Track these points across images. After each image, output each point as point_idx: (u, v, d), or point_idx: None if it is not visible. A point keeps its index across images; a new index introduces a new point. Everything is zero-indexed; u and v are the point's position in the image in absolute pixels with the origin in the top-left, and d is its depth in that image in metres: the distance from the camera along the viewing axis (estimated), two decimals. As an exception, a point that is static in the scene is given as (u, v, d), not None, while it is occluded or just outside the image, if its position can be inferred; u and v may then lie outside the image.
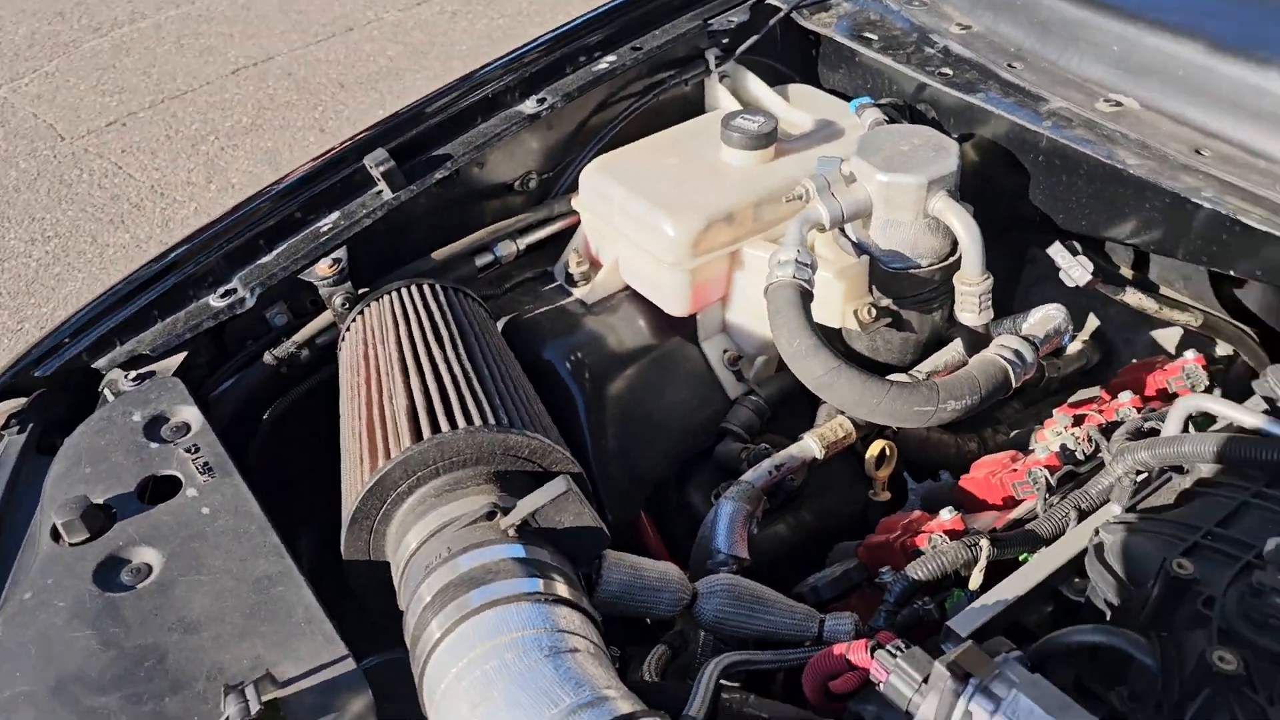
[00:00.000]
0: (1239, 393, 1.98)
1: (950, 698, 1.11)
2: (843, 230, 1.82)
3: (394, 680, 1.45)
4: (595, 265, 2.00)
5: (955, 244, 1.78)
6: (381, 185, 1.82)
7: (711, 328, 1.98)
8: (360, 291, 1.78)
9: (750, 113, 1.93)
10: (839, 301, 1.83)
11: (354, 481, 1.44)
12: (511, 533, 1.29)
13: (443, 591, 1.22)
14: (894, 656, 1.19)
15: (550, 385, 1.84)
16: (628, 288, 1.99)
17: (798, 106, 2.11)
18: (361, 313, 1.74)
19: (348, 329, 1.75)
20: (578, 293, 1.98)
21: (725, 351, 1.98)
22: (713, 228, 1.81)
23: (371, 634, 1.46)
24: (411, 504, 1.38)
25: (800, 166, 1.90)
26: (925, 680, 1.15)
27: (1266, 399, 1.61)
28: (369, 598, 1.44)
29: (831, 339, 1.67)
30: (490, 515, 1.31)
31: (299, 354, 1.78)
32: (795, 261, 1.65)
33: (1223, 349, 2.06)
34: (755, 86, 2.14)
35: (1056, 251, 1.79)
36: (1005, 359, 1.65)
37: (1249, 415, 1.46)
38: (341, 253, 1.74)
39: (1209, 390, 1.84)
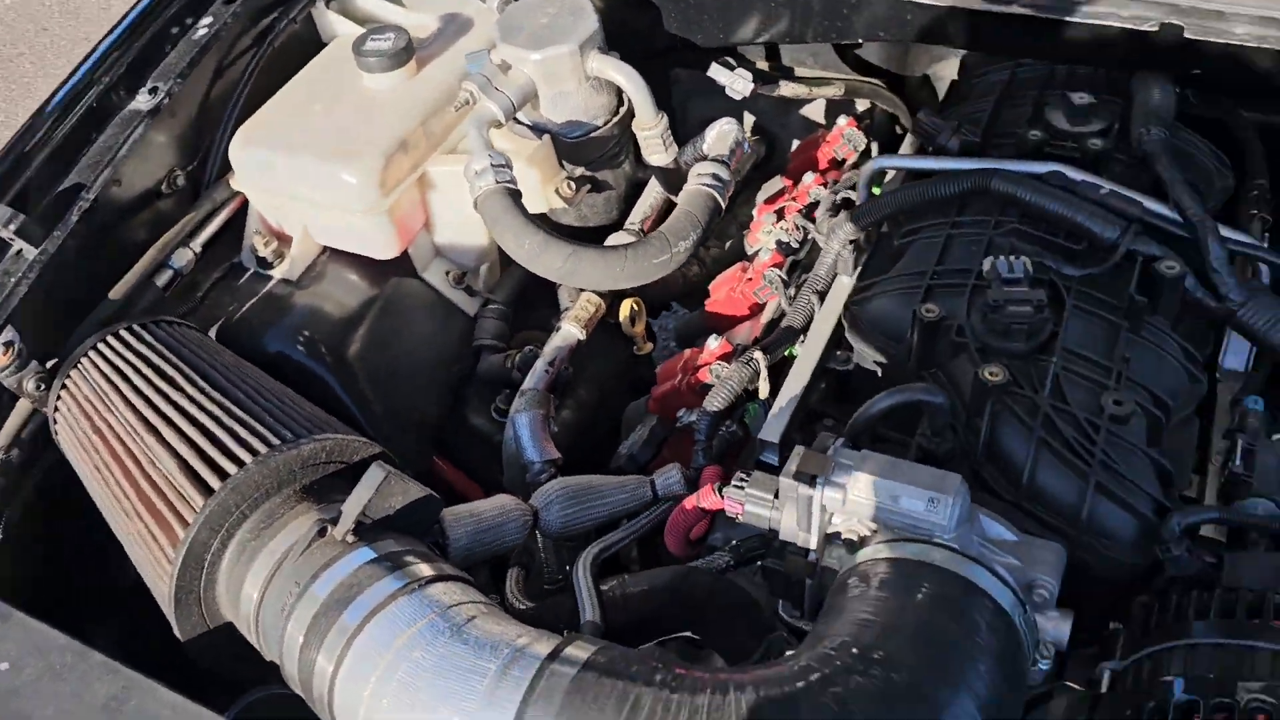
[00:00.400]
0: (888, 139, 2.22)
1: (805, 503, 1.23)
2: (516, 119, 1.82)
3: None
4: (283, 240, 1.88)
5: (622, 96, 1.83)
6: (19, 244, 1.60)
7: (426, 256, 1.94)
8: (50, 365, 1.59)
9: (376, 32, 1.85)
10: (537, 186, 1.85)
11: (153, 560, 1.33)
12: (350, 539, 1.25)
13: (313, 626, 1.18)
14: (742, 489, 1.29)
15: (291, 374, 1.75)
16: (326, 250, 1.90)
17: (416, 8, 2.03)
18: (64, 387, 1.56)
19: (56, 410, 1.57)
20: (277, 273, 1.87)
21: (448, 273, 1.96)
22: (392, 161, 1.75)
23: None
24: (231, 557, 1.30)
25: (448, 70, 1.85)
26: (776, 496, 1.26)
27: (921, 140, 1.81)
28: (223, 664, 1.37)
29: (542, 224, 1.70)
30: (322, 532, 1.27)
31: (8, 457, 1.59)
32: (491, 167, 1.64)
33: (861, 105, 2.28)
34: (366, 1, 2.04)
35: (716, 72, 1.89)
36: (708, 186, 1.74)
37: (922, 161, 1.65)
38: (9, 333, 1.53)
39: (868, 148, 2.05)
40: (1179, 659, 1.10)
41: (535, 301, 2.02)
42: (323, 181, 1.75)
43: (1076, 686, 1.34)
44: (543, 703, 1.04)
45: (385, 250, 1.86)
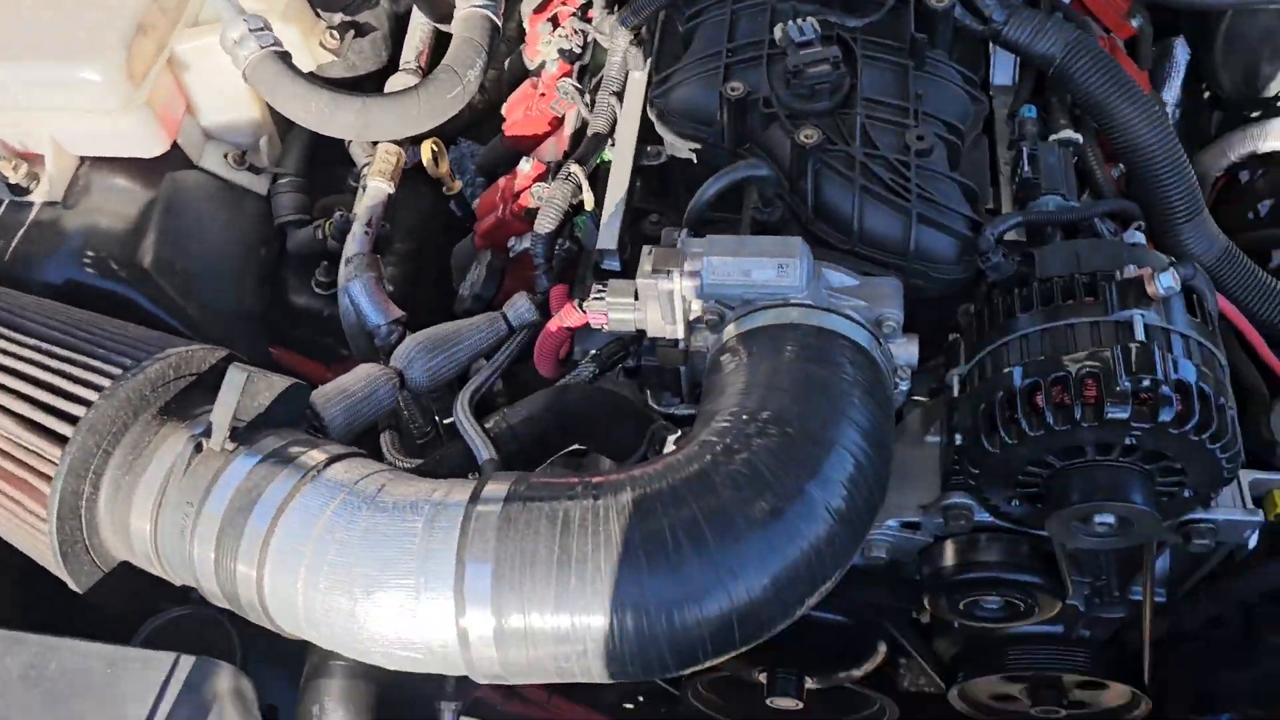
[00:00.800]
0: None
1: (665, 297, 1.29)
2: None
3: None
4: (33, 160, 1.70)
5: (364, -74, 1.72)
6: None
7: (197, 143, 1.81)
8: None
9: (67, -97, 1.63)
10: (299, 43, 1.74)
11: (23, 524, 1.27)
12: (230, 446, 1.23)
13: (222, 540, 1.17)
14: (602, 299, 1.33)
15: (89, 301, 1.64)
16: (85, 161, 1.74)
17: None
18: None
19: None
20: (37, 198, 1.71)
21: (226, 155, 1.84)
22: (135, 48, 1.60)
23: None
24: (108, 497, 1.25)
25: (163, -67, 1.67)
26: (636, 297, 1.31)
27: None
28: (129, 601, 1.35)
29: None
30: (198, 448, 1.23)
31: None
32: (250, 33, 1.53)
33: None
34: None
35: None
36: (480, 6, 1.68)
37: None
38: None
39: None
40: (1014, 350, 1.24)
41: (326, 164, 1.94)
42: (62, 86, 1.59)
43: (924, 399, 1.50)
44: (479, 543, 1.08)
45: (152, 146, 1.71)
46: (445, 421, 1.68)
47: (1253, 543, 1.35)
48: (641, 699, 2.26)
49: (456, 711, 1.66)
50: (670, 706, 2.24)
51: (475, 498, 1.13)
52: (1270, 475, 1.37)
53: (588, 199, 1.62)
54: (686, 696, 2.02)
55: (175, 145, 1.76)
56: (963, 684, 1.75)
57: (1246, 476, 1.35)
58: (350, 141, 1.84)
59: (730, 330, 1.28)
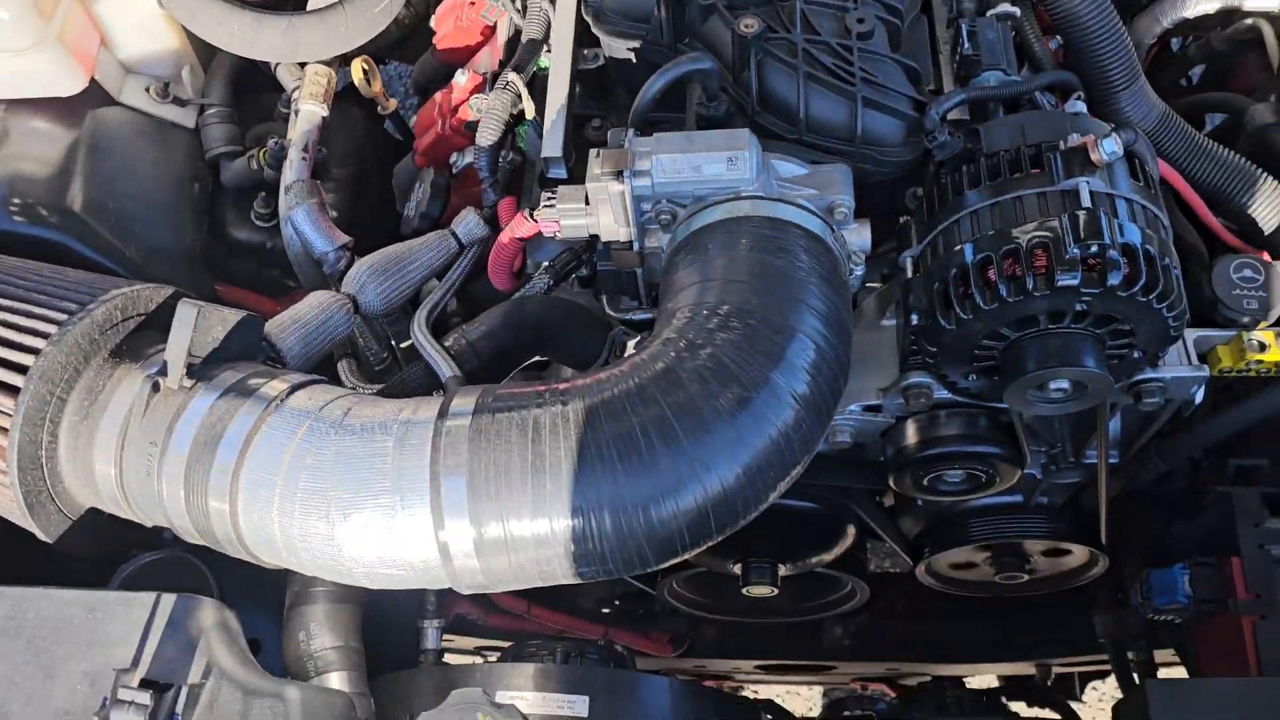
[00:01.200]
0: None
1: (617, 199, 1.28)
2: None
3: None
4: (-60, 107, 1.63)
5: None
6: None
7: (116, 78, 1.73)
8: None
9: None
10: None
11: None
12: (188, 384, 1.21)
13: (189, 477, 1.16)
14: (553, 206, 1.32)
15: (20, 250, 1.59)
16: (1, 104, 1.66)
17: None
18: None
19: None
20: (-51, 148, 1.63)
21: (148, 89, 1.77)
22: (38, -23, 1.52)
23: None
24: (68, 445, 1.23)
25: None
26: (587, 203, 1.30)
27: None
28: (100, 547, 1.34)
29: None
30: (155, 388, 1.22)
31: None
32: (161, -47, 1.46)
33: None
34: None
35: None
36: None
37: None
38: None
39: None
40: (964, 227, 1.26)
41: (254, 91, 1.88)
42: (-37, 24, 1.51)
43: (877, 285, 1.52)
44: (451, 456, 1.08)
45: (68, 84, 1.64)
46: (402, 345, 1.67)
47: (1199, 398, 1.40)
48: (618, 602, 2.32)
49: (439, 629, 1.68)
50: (648, 606, 2.30)
51: (444, 413, 1.13)
52: (1213, 332, 1.41)
53: (528, 107, 1.59)
54: (663, 595, 2.07)
55: (93, 82, 1.68)
56: (929, 559, 1.81)
57: (1191, 335, 1.39)
58: (277, 65, 1.78)
59: (683, 229, 1.28)
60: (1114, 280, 1.16)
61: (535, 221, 1.36)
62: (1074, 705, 2.48)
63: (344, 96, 1.86)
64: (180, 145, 1.80)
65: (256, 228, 1.82)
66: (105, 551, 1.35)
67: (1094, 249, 1.16)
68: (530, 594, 2.10)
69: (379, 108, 1.86)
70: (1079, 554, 1.79)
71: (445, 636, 2.15)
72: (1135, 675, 2.01)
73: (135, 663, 1.14)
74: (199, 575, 1.79)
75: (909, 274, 1.33)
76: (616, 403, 1.09)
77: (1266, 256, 1.46)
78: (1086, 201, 1.18)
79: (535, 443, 1.08)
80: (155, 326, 1.31)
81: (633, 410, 1.08)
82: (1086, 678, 2.53)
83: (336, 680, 1.32)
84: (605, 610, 2.36)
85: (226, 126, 1.79)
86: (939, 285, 1.26)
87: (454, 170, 1.69)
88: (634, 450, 1.06)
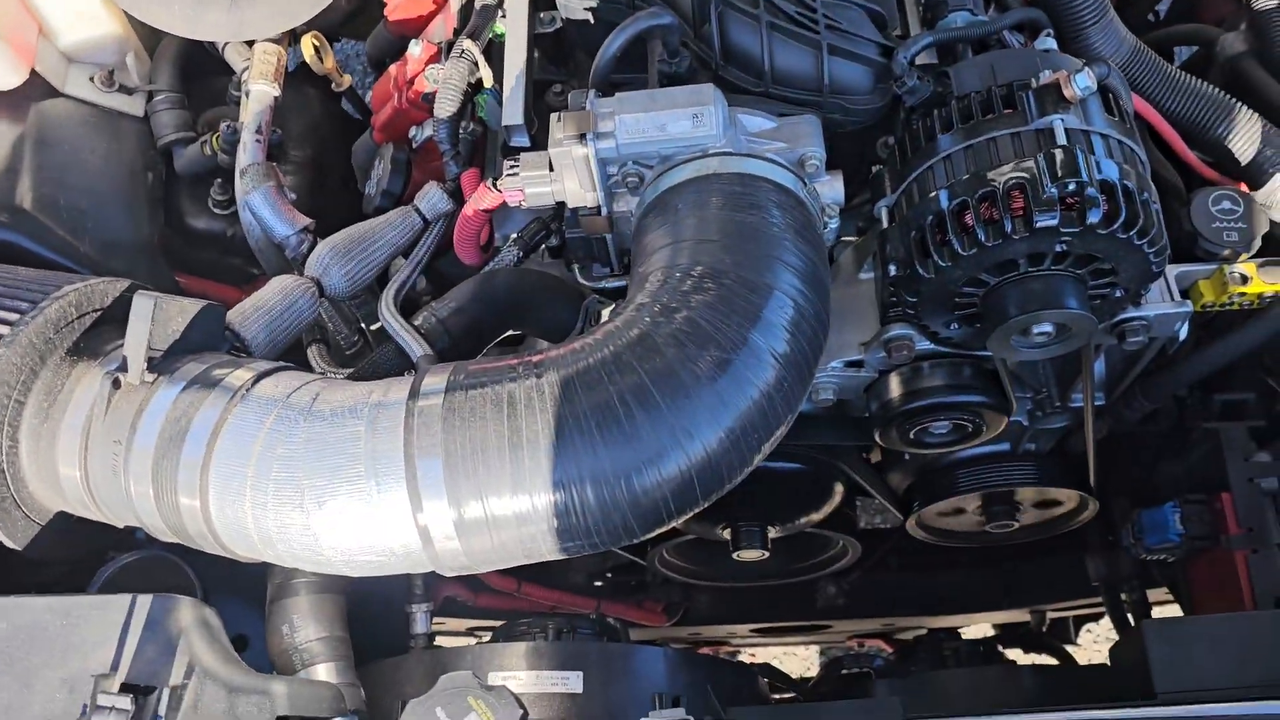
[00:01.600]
0: None
1: (581, 163, 1.24)
2: None
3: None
4: (-121, 106, 1.57)
5: None
6: None
7: (58, 68, 1.67)
8: None
9: None
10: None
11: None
12: (149, 378, 1.17)
13: (157, 474, 1.12)
14: (516, 174, 1.28)
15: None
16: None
17: None
18: None
19: None
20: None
21: (92, 78, 1.71)
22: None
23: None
24: (29, 448, 1.19)
25: None
26: (551, 169, 1.26)
27: None
28: (72, 550, 1.31)
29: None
30: (116, 384, 1.18)
31: None
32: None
33: None
34: None
35: None
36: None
37: None
38: None
39: None
40: (939, 172, 1.23)
41: (203, 76, 1.82)
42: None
43: (853, 239, 1.49)
44: (425, 437, 1.05)
45: (8, 77, 1.58)
46: (373, 328, 1.63)
47: (1183, 334, 1.38)
48: (610, 575, 2.30)
49: (428, 612, 1.66)
50: (640, 577, 2.28)
51: (415, 393, 1.09)
52: (1194, 267, 1.39)
53: (486, 76, 1.54)
54: (654, 564, 2.05)
55: (35, 74, 1.63)
56: (919, 512, 1.79)
57: (1172, 271, 1.37)
58: (225, 46, 1.72)
59: (651, 189, 1.25)
60: (1093, 218, 1.14)
61: (499, 191, 1.32)
62: (1069, 649, 2.49)
63: (297, 76, 1.81)
64: (130, 135, 1.74)
65: (215, 215, 1.78)
66: (79, 555, 1.32)
67: (1072, 187, 1.13)
68: (520, 571, 2.07)
69: (333, 85, 1.80)
70: (1069, 499, 1.78)
71: (436, 620, 2.14)
72: (1130, 616, 2.01)
73: (114, 667, 1.11)
74: (180, 574, 1.75)
75: (884, 224, 1.30)
76: (592, 372, 1.06)
77: (1244, 188, 1.44)
78: (1062, 139, 1.16)
79: (511, 418, 1.05)
80: (113, 321, 1.26)
81: (609, 379, 1.05)
82: (1081, 621, 2.54)
83: (324, 672, 1.30)
84: (598, 584, 2.35)
85: (177, 113, 1.74)
86: (915, 234, 1.23)
87: (414, 145, 1.65)
88: (613, 420, 1.04)
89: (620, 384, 1.05)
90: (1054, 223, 1.14)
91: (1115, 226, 1.14)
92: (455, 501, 1.04)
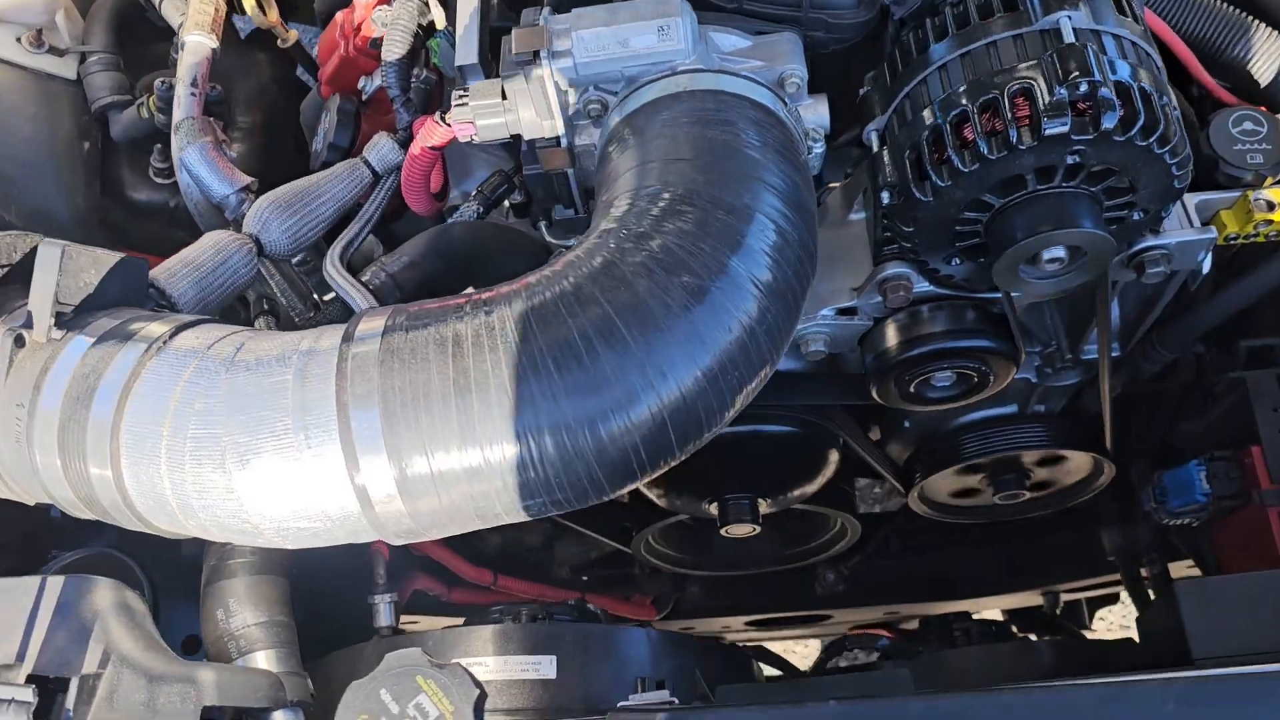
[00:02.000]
0: None
1: (537, 87, 1.12)
2: None
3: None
4: None
5: None
6: None
7: None
8: None
9: None
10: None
11: None
12: (56, 334, 1.05)
13: (64, 440, 0.99)
14: (463, 105, 1.16)
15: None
16: None
17: None
18: None
19: None
20: None
21: (20, 39, 1.59)
22: None
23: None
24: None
25: None
26: (504, 97, 1.14)
27: None
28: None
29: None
30: (19, 341, 1.05)
31: None
32: None
33: None
34: None
35: None
36: None
37: None
38: None
39: None
40: (934, 84, 1.11)
41: (142, 40, 1.71)
42: None
43: (835, 184, 1.37)
44: (360, 383, 0.92)
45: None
46: (325, 298, 1.51)
47: (1206, 265, 1.26)
48: (595, 567, 2.17)
49: (393, 605, 1.53)
50: (627, 569, 2.15)
51: (349, 337, 0.97)
52: (1215, 195, 1.27)
53: (438, 16, 1.42)
54: (640, 552, 1.92)
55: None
56: (921, 484, 1.66)
57: (1191, 200, 1.25)
58: (161, 2, 1.60)
59: (615, 116, 1.13)
60: (1109, 123, 1.01)
61: (447, 126, 1.20)
62: (1084, 634, 2.36)
63: (250, 42, 1.70)
64: (63, 99, 1.62)
65: (156, 185, 1.65)
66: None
67: (1083, 89, 1.01)
68: (499, 564, 1.94)
69: (279, 41, 1.68)
70: (1082, 464, 1.66)
71: (408, 617, 2.01)
72: (1150, 593, 1.88)
73: (21, 656, 0.99)
74: (127, 572, 1.63)
75: (875, 149, 1.17)
76: (550, 306, 0.93)
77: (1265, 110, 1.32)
78: (1070, 38, 1.04)
79: (457, 358, 0.92)
80: (21, 279, 1.14)
81: (569, 313, 0.93)
82: (1095, 604, 2.41)
83: (263, 659, 1.16)
84: (584, 578, 2.22)
85: (111, 74, 1.62)
86: (910, 153, 1.11)
87: (364, 97, 1.53)
88: (574, 358, 0.91)
89: (582, 318, 0.92)
90: (1065, 129, 1.01)
91: (1134, 132, 1.02)
92: (396, 456, 0.91)
